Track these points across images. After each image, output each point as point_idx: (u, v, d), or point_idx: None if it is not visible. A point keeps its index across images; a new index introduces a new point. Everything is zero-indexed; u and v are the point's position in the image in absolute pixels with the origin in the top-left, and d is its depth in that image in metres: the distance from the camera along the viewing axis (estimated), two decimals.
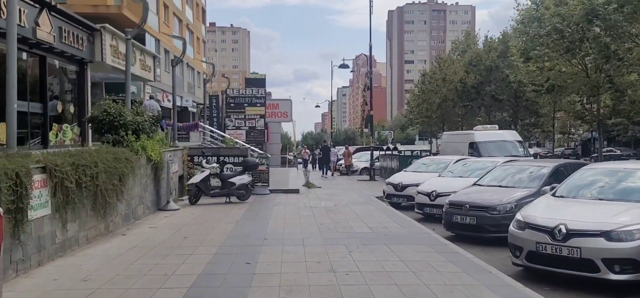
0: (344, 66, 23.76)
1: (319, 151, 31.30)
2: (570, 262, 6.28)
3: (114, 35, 15.16)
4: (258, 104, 27.44)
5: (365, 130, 73.57)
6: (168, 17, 36.44)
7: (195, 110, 39.57)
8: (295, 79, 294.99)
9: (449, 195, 11.89)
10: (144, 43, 28.69)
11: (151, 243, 8.38)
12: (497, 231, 8.99)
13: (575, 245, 6.24)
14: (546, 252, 6.49)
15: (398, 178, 15.30)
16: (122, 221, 9.73)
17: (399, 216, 11.84)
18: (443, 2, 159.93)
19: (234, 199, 14.09)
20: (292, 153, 44.85)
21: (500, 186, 10.14)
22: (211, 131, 22.81)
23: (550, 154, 37.25)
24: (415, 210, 12.74)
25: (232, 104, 27.38)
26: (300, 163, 33.91)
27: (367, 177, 25.95)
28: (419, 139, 68.54)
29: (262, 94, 27.63)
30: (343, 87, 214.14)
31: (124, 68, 16.10)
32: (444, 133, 24.20)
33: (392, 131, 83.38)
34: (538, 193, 9.16)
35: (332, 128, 67.85)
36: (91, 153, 8.22)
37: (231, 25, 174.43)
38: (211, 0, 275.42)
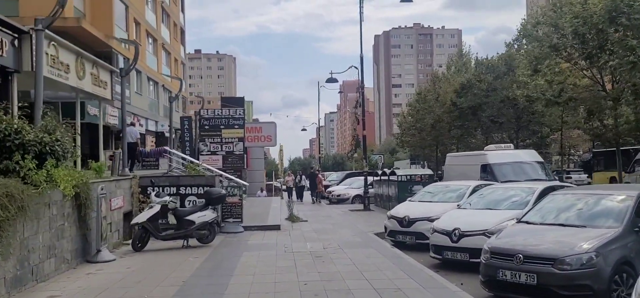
0: (332, 80, 20.95)
1: (299, 178, 28.28)
2: None
3: (52, 41, 12.10)
4: (236, 126, 24.26)
5: (355, 155, 70.73)
6: (140, 34, 33.45)
7: (174, 135, 36.37)
8: (283, 105, 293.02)
9: (477, 234, 8.89)
10: (111, 62, 25.71)
11: None
12: (569, 295, 5.98)
13: None
14: None
15: (403, 210, 12.22)
16: (7, 288, 6.49)
17: (412, 265, 8.73)
18: (429, 26, 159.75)
19: (194, 241, 10.89)
20: (279, 180, 41.65)
21: (561, 224, 7.10)
22: (182, 157, 19.64)
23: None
24: (431, 254, 9.66)
25: (206, 126, 24.17)
26: (285, 191, 30.61)
27: (361, 206, 22.83)
28: (411, 163, 65.63)
29: (240, 114, 24.50)
30: (331, 112, 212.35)
31: (66, 81, 13.13)
32: (449, 154, 21.26)
33: (381, 155, 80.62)
34: (628, 234, 6.20)
35: (320, 153, 64.77)
36: None
37: (217, 51, 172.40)
38: (198, 30, 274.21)
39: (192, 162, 16.29)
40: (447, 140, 48.31)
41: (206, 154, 24.05)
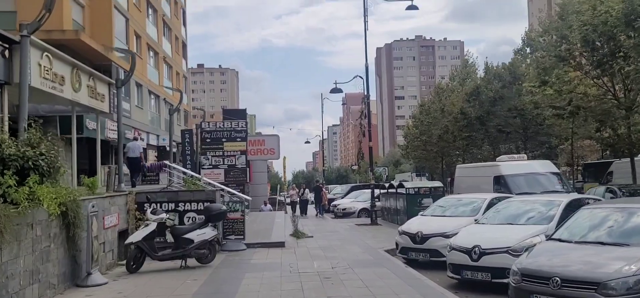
0: (336, 90, 20.32)
1: (303, 191, 27.46)
2: None
3: (45, 52, 11.52)
4: (238, 139, 23.66)
5: (355, 167, 69.83)
6: (141, 48, 33.02)
7: (175, 149, 35.75)
8: (286, 118, 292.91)
9: (499, 251, 8.18)
10: (110, 76, 25.20)
11: None
12: None
13: None
14: None
15: (415, 225, 11.50)
16: None
17: (430, 288, 8.01)
18: (431, 38, 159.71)
19: (193, 261, 10.18)
20: (283, 194, 40.92)
21: (599, 242, 6.37)
22: (182, 172, 18.98)
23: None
24: (449, 273, 8.92)
25: (208, 140, 23.57)
26: (288, 205, 29.79)
27: (367, 220, 22.08)
28: (416, 175, 64.73)
29: (242, 127, 23.90)
30: (334, 125, 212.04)
31: (61, 94, 12.56)
32: (459, 166, 20.54)
33: (385, 168, 79.89)
34: None
35: (323, 166, 64.03)
36: None
37: (219, 66, 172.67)
38: (201, 45, 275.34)
39: (192, 176, 15.61)
40: (452, 151, 47.55)
41: (208, 168, 23.40)
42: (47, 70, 12.21)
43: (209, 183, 19.48)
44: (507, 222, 9.37)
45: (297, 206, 26.37)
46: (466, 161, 47.28)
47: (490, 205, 11.76)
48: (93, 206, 8.68)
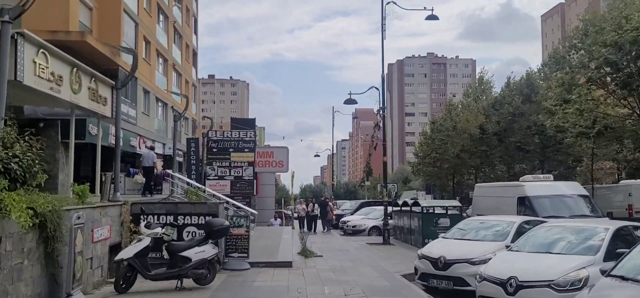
0: (350, 101, 19.33)
1: (312, 207, 26.34)
2: None
3: (41, 49, 10.67)
4: (246, 149, 22.75)
5: (367, 183, 68.60)
6: (150, 54, 32.35)
7: (181, 159, 34.92)
8: (296, 132, 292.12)
9: (541, 285, 7.08)
10: (116, 78, 24.42)
11: None
12: None
13: None
14: None
15: (437, 249, 10.39)
16: None
17: None
18: (443, 55, 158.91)
19: (190, 282, 9.15)
20: (289, 208, 39.85)
21: None
22: (186, 182, 18.06)
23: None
24: None
25: (214, 149, 22.69)
26: (296, 219, 28.64)
27: (379, 239, 20.95)
28: (427, 193, 63.34)
29: (251, 137, 22.99)
30: (343, 140, 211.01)
31: (58, 94, 11.71)
32: (478, 185, 19.39)
33: (395, 184, 78.52)
34: None
35: (332, 180, 62.88)
36: None
37: (230, 77, 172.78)
38: (213, 56, 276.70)
39: (194, 187, 14.61)
40: (464, 170, 46.25)
41: (213, 179, 22.50)
42: (42, 68, 11.35)
43: (213, 195, 18.54)
44: (544, 250, 8.24)
45: (305, 221, 25.26)
46: (479, 180, 46.01)
47: (520, 229, 10.67)
48: (79, 218, 7.70)
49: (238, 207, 17.52)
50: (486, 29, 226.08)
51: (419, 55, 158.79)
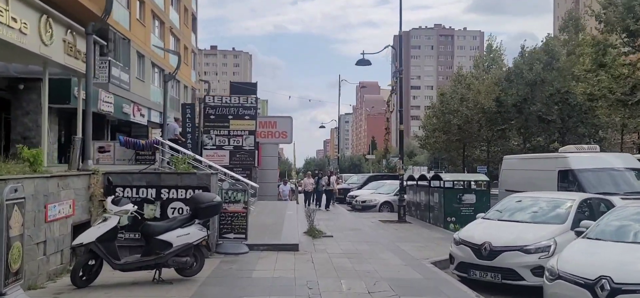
0: (363, 62, 17.17)
1: (326, 179, 23.44)
2: None
3: None
4: (247, 117, 20.63)
5: (371, 156, 66.61)
6: (144, 14, 30.04)
7: (173, 123, 32.70)
8: (300, 106, 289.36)
9: None
10: (105, 39, 22.25)
11: None
12: None
13: None
14: None
15: (479, 233, 8.40)
16: None
17: None
18: (450, 27, 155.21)
19: (171, 272, 7.24)
20: (293, 181, 37.96)
21: None
22: (176, 150, 16.05)
23: None
24: None
25: (212, 116, 20.58)
26: (300, 193, 26.55)
27: (392, 215, 19.06)
28: (434, 166, 61.38)
29: (252, 103, 20.86)
30: (346, 114, 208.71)
31: (21, 44, 9.76)
32: (507, 157, 17.25)
33: (400, 158, 76.40)
34: None
35: (337, 153, 60.90)
36: None
37: (233, 48, 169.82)
38: (216, 28, 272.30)
39: (185, 155, 12.55)
40: (475, 143, 44.27)
41: (210, 149, 20.48)
42: (0, 12, 9.41)
43: (209, 166, 16.57)
44: (633, 240, 6.25)
45: (313, 197, 23.02)
46: (492, 153, 43.99)
47: (581, 208, 8.67)
48: (16, 191, 5.71)
49: (236, 179, 15.58)
50: (495, 1, 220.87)
51: (426, 27, 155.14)
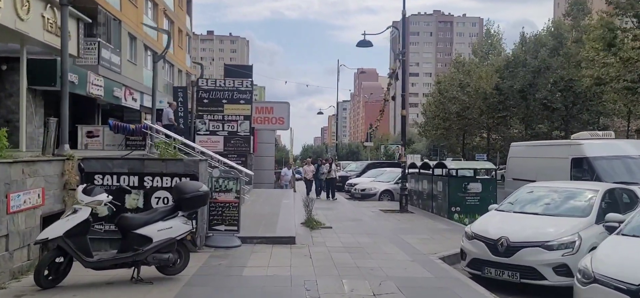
0: (364, 43, 16.28)
1: (329, 167, 21.89)
2: None
3: None
4: (242, 101, 19.80)
5: (369, 143, 65.77)
6: None
7: (165, 106, 31.57)
8: (297, 93, 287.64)
9: None
10: (94, 19, 21.25)
11: None
12: None
13: None
14: None
15: (494, 226, 7.62)
16: None
17: None
18: (449, 13, 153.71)
19: (151, 270, 6.44)
20: (293, 167, 37.14)
21: None
22: (165, 134, 15.22)
23: None
24: None
25: (205, 100, 19.74)
26: (299, 180, 25.62)
27: (393, 204, 18.30)
28: (433, 155, 60.63)
29: (247, 87, 20.01)
30: (344, 101, 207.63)
31: None
32: (514, 144, 16.46)
33: (399, 146, 75.81)
34: None
35: (336, 139, 60.11)
36: None
37: (229, 33, 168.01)
38: (212, 14, 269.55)
39: (173, 139, 11.68)
40: (475, 130, 43.60)
41: (204, 134, 19.67)
42: None
43: (201, 152, 15.74)
44: None
45: (313, 185, 21.94)
46: (492, 141, 43.29)
47: (605, 199, 7.90)
48: None
49: (230, 166, 14.77)
50: None
51: (425, 13, 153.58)
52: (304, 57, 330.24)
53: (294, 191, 22.41)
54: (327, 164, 21.30)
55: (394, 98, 21.69)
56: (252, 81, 20.28)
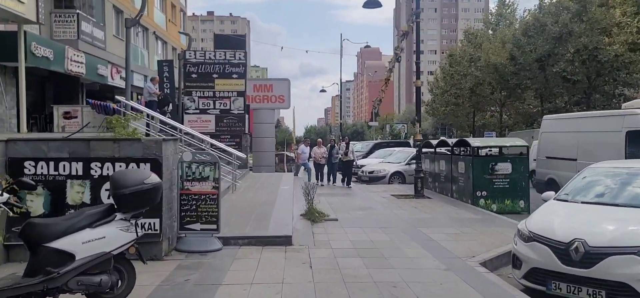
0: (372, 4, 14.11)
1: (346, 148, 18.32)
2: None
3: None
4: (235, 75, 17.70)
5: (374, 123, 63.59)
6: None
7: (148, 84, 29.26)
8: (301, 74, 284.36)
9: None
10: None
11: None
12: None
13: None
14: None
15: (561, 224, 5.54)
16: None
17: None
18: None
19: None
20: (294, 149, 35.11)
21: None
22: (147, 113, 13.23)
23: None
24: None
25: (193, 75, 17.65)
26: (302, 164, 23.50)
27: (405, 188, 16.31)
28: (442, 133, 58.45)
29: (240, 59, 17.88)
30: (347, 81, 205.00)
31: None
32: (547, 117, 14.26)
33: (405, 125, 73.88)
34: None
35: (340, 119, 57.99)
36: None
37: (230, 14, 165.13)
38: None
39: (124, 113, 9.48)
40: (487, 107, 41.44)
41: (193, 113, 17.63)
42: None
43: (188, 133, 13.75)
44: None
45: (325, 170, 18.92)
46: (505, 118, 41.04)
47: None
48: None
49: (222, 150, 12.74)
50: None
51: None
52: (307, 38, 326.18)
53: (295, 174, 20.38)
54: (343, 144, 18.22)
55: (399, 60, 19.42)
56: (245, 53, 18.11)
